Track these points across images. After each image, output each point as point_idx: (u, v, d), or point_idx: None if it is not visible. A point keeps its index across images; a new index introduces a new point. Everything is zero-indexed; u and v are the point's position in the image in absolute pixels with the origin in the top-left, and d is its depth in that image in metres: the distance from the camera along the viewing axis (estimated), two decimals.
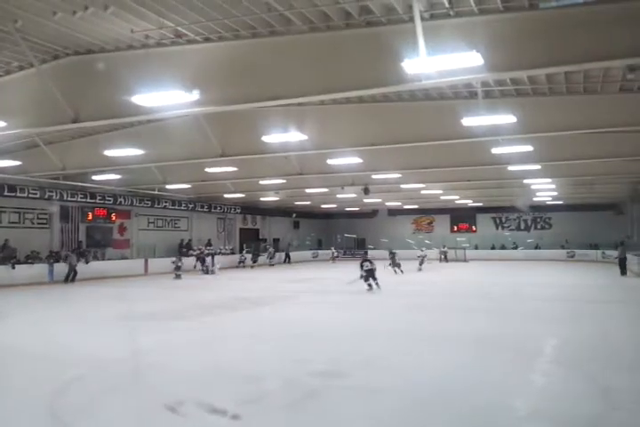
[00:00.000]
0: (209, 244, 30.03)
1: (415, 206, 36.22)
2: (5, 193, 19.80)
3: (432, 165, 16.37)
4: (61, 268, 20.48)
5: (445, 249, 33.64)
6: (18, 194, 20.15)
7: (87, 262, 21.59)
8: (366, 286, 16.29)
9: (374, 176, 19.66)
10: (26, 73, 9.98)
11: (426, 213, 39.57)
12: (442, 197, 29.30)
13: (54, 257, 21.12)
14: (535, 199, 30.18)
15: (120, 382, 6.29)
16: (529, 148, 13.26)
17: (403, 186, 22.89)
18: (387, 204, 33.88)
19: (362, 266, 16.44)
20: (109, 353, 7.70)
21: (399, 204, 34.30)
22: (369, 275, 16.26)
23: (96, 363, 7.13)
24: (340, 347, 8.10)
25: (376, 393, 5.64)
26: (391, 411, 5.15)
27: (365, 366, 6.85)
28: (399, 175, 19.35)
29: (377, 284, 16.32)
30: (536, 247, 35.98)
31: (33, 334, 9.53)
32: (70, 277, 20.41)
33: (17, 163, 16.35)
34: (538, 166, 16.61)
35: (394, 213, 38.92)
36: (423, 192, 26.11)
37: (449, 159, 15.61)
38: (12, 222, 21.24)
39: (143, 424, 4.96)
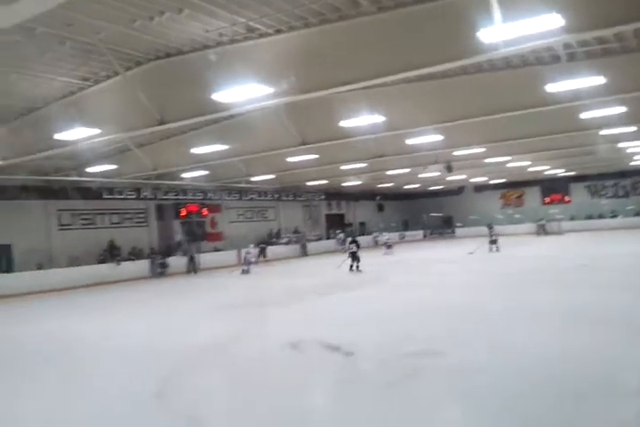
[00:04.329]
0: (296, 231, 30.68)
1: (502, 180, 35.01)
2: (105, 196, 21.45)
3: (517, 136, 15.78)
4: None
5: (544, 222, 32.39)
6: (116, 196, 21.85)
7: (192, 257, 22.68)
8: (349, 268, 16.86)
9: (456, 152, 19.17)
10: (113, 81, 10.53)
11: (514, 187, 38.08)
12: (529, 169, 28.10)
13: (155, 253, 22.42)
14: (632, 163, 28.25)
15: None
16: (622, 109, 12.44)
17: (487, 160, 22.20)
18: (472, 180, 33.01)
19: (349, 247, 17.32)
20: (211, 339, 8.12)
21: (485, 179, 33.30)
22: (353, 257, 16.87)
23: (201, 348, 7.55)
24: (434, 326, 8.05)
25: (477, 372, 5.54)
26: (495, 391, 5.01)
27: (463, 345, 6.77)
28: (483, 149, 18.76)
29: (357, 267, 16.91)
30: (637, 214, 33.62)
31: (141, 325, 10.20)
32: (191, 268, 21.80)
33: (113, 167, 17.46)
34: (633, 128, 15.54)
35: (480, 188, 37.87)
36: (509, 165, 25.16)
37: (535, 129, 14.96)
38: (114, 223, 22.79)
39: None
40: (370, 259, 23.62)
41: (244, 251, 22.00)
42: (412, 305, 10.29)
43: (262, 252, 25.41)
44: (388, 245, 25.51)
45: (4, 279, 17.04)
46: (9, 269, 18.17)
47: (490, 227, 22.98)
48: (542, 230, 32.06)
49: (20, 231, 18.98)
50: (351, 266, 16.94)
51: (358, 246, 17.37)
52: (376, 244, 30.84)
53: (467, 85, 11.57)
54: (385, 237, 27.41)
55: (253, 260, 21.62)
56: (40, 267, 18.93)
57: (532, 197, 38.50)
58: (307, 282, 15.63)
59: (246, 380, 5.94)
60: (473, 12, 6.91)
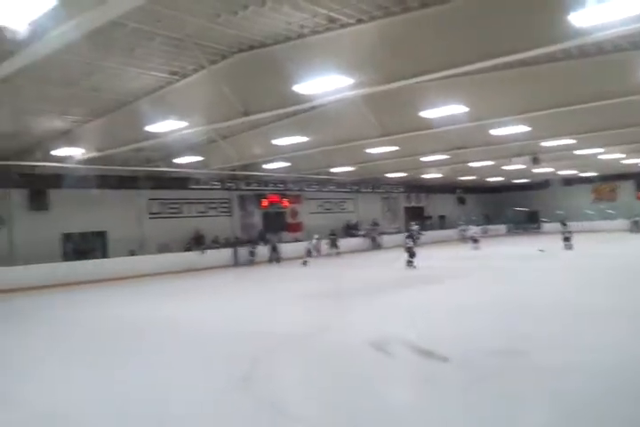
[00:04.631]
0: (375, 223, 30.56)
1: (593, 173, 33.16)
2: (192, 186, 22.43)
3: (610, 127, 14.88)
4: (244, 252, 22.47)
5: (638, 218, 30.47)
6: (202, 186, 22.84)
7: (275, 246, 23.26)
8: (408, 264, 16.43)
9: (544, 144, 18.34)
10: (199, 75, 10.91)
11: (606, 181, 35.94)
12: (623, 162, 26.44)
13: (238, 242, 23.15)
14: None
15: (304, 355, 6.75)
16: None
17: (577, 152, 21.08)
18: (560, 173, 31.48)
19: (405, 242, 16.97)
20: (294, 328, 8.29)
21: (574, 172, 31.67)
22: (409, 252, 16.54)
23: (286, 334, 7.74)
24: (514, 324, 7.80)
25: (562, 374, 5.29)
26: (583, 394, 4.74)
27: (546, 345, 6.50)
28: (573, 141, 17.82)
29: (412, 262, 16.51)
30: None
31: (225, 311, 10.60)
32: (274, 257, 22.46)
33: (199, 158, 18.15)
34: None
35: (569, 182, 36.02)
36: (601, 157, 23.79)
37: (629, 118, 14.05)
38: (200, 212, 23.73)
39: None
40: (454, 252, 23.25)
41: (307, 242, 22.40)
42: (492, 301, 10.01)
43: (333, 243, 25.25)
44: (475, 240, 24.42)
45: (100, 264, 18.22)
46: (104, 254, 19.37)
47: (563, 223, 21.73)
48: (636, 227, 30.14)
49: (114, 219, 20.20)
50: (408, 261, 16.68)
51: (415, 241, 17.07)
52: (463, 237, 29.36)
53: (555, 73, 11.02)
54: (472, 230, 26.00)
55: (315, 250, 21.90)
56: (132, 253, 20.09)
57: (626, 191, 36.16)
58: (380, 274, 15.59)
59: (329, 371, 6.01)
60: None
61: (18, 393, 5.54)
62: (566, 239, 20.94)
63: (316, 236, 23.06)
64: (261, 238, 23.80)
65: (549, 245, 21.04)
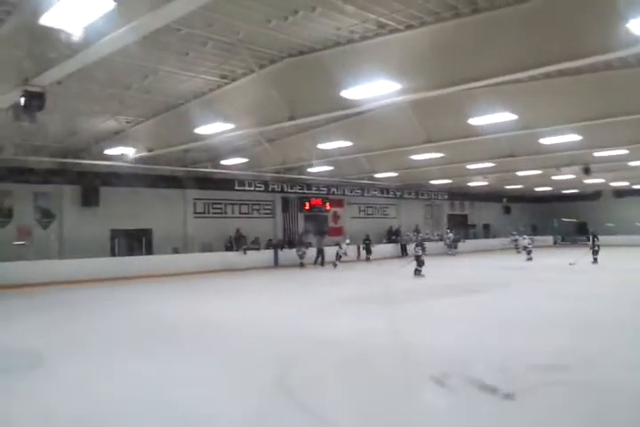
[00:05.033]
0: (417, 230, 30.26)
1: None
2: (236, 187, 22.79)
3: None
4: (283, 253, 22.66)
5: None
6: (246, 188, 23.20)
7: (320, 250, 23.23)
8: (416, 273, 16.34)
9: (596, 154, 17.81)
10: (248, 79, 11.08)
11: None
12: None
13: (280, 244, 23.35)
14: None
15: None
16: None
17: (631, 163, 20.40)
18: (612, 184, 30.49)
19: (415, 250, 16.89)
20: (335, 332, 8.29)
21: (627, 183, 30.60)
22: (417, 261, 16.47)
23: (322, 340, 7.75)
24: (558, 338, 7.59)
25: (604, 391, 5.12)
26: (622, 412, 4.61)
27: (590, 361, 6.29)
28: (626, 151, 17.26)
29: (420, 271, 16.39)
30: None
31: (265, 312, 10.69)
32: (319, 260, 22.56)
33: (245, 160, 18.41)
34: None
35: (621, 194, 34.85)
36: None
37: None
38: (243, 213, 24.04)
39: None
40: (505, 262, 22.75)
41: (337, 247, 22.40)
42: (530, 314, 9.77)
43: (367, 248, 25.15)
44: (529, 251, 23.11)
45: (145, 261, 18.69)
46: (149, 251, 19.85)
47: (594, 235, 20.77)
48: None
49: (160, 217, 20.69)
50: (416, 270, 16.47)
51: (424, 250, 16.84)
52: (516, 248, 27.94)
53: (610, 82, 10.70)
54: (525, 240, 24.34)
55: (344, 255, 21.92)
56: (176, 251, 20.52)
57: None
58: (414, 283, 15.43)
59: (360, 375, 6.00)
60: (622, 0, 6.40)
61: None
62: (595, 252, 20.12)
63: (347, 241, 23.12)
64: (303, 241, 23.84)
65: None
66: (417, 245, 17.12)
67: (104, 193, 19.13)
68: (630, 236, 32.65)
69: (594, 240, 20.43)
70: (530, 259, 22.45)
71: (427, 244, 22.75)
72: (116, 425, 4.54)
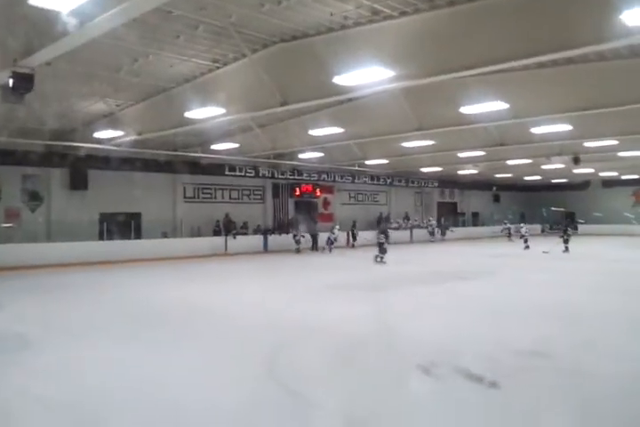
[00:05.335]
0: (406, 217, 30.42)
1: (635, 176, 32.24)
2: (226, 173, 22.71)
3: None
4: (273, 239, 22.73)
5: None
6: (237, 173, 23.13)
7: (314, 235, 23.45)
8: (376, 259, 16.49)
9: (586, 144, 17.93)
10: (239, 63, 10.98)
11: None
12: None
13: (269, 229, 23.37)
14: None
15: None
16: None
17: (620, 154, 20.55)
18: (600, 174, 30.75)
19: (378, 237, 16.97)
20: (324, 320, 8.35)
21: (616, 174, 30.87)
22: (380, 249, 16.59)
23: (309, 328, 7.81)
24: (545, 326, 7.69)
25: (589, 378, 5.19)
26: (609, 400, 4.65)
27: (576, 349, 6.39)
28: (616, 142, 17.39)
29: (382, 258, 16.47)
30: None
31: (250, 298, 10.73)
32: (315, 246, 22.83)
33: (235, 145, 18.32)
34: None
35: (609, 184, 35.14)
36: None
37: None
38: (233, 198, 24.01)
39: None
40: (495, 249, 22.95)
41: (329, 233, 22.57)
42: (518, 303, 9.89)
43: (352, 235, 25.14)
44: (526, 239, 22.83)
45: (134, 245, 18.64)
46: (138, 235, 19.78)
47: (567, 227, 21.43)
48: None
49: (150, 201, 20.59)
50: (377, 256, 16.59)
51: (387, 238, 16.97)
52: (508, 236, 28.35)
53: (602, 72, 10.73)
54: (523, 229, 23.93)
55: (335, 240, 22.27)
56: (165, 235, 20.48)
57: None
58: (400, 270, 15.52)
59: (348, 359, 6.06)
60: None
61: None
62: (565, 241, 20.59)
63: (337, 227, 23.20)
64: (294, 226, 23.80)
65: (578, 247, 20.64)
66: (380, 233, 17.24)
67: (93, 177, 18.99)
68: (617, 225, 33.05)
69: (566, 230, 21.05)
70: (527, 247, 22.55)
71: (416, 231, 22.95)
72: (104, 410, 4.54)
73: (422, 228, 29.90)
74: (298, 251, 21.95)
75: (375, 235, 17.80)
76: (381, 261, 16.49)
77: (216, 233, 21.72)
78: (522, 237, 23.64)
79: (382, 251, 16.70)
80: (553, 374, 5.39)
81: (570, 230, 21.27)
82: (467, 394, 4.83)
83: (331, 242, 21.95)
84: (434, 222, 29.73)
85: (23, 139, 15.57)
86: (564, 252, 20.28)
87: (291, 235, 22.79)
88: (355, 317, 8.33)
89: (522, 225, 25.19)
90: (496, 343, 6.61)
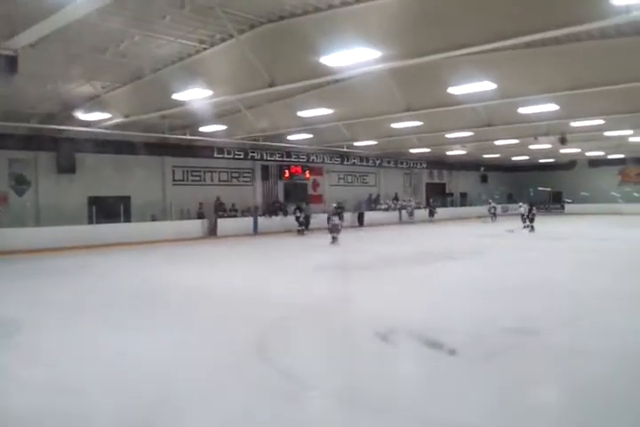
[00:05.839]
0: (396, 198, 30.56)
1: (621, 156, 32.52)
2: (215, 155, 22.60)
3: None
4: (262, 221, 22.86)
5: None
6: (225, 155, 23.03)
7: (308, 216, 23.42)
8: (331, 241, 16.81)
9: (573, 124, 18.04)
10: (227, 44, 10.88)
11: (635, 163, 35.14)
12: None
13: (257, 211, 23.40)
14: None
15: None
16: None
17: (607, 133, 20.70)
18: (587, 154, 30.96)
19: (332, 219, 17.23)
20: (314, 298, 8.47)
21: (602, 153, 31.10)
22: (333, 229, 16.93)
23: (298, 305, 7.92)
24: (534, 304, 7.84)
25: (579, 354, 5.31)
26: (598, 376, 4.74)
27: (565, 326, 6.53)
28: (602, 122, 17.52)
29: (335, 238, 16.84)
30: None
31: (245, 279, 10.82)
32: (307, 227, 22.84)
33: (223, 127, 18.21)
34: None
35: (596, 163, 35.44)
36: (632, 140, 23.30)
37: None
38: (222, 181, 23.98)
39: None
40: (481, 230, 23.20)
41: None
42: (506, 281, 10.06)
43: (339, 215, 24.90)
44: (524, 219, 22.15)
45: (123, 228, 18.61)
46: (127, 218, 19.74)
47: (532, 205, 21.73)
48: None
49: (139, 185, 20.52)
50: (333, 238, 17.01)
51: (341, 219, 17.22)
52: (493, 216, 28.81)
53: (589, 52, 10.78)
54: (522, 208, 23.15)
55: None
56: (154, 218, 20.46)
57: None
58: (393, 250, 15.69)
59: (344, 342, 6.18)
60: None
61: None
62: (531, 220, 20.93)
63: (334, 205, 23.06)
64: (302, 208, 23.46)
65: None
66: (334, 214, 17.37)
67: (80, 160, 18.85)
68: (604, 204, 33.46)
69: (530, 210, 21.33)
70: (526, 226, 21.90)
71: (404, 212, 22.91)
72: (99, 393, 4.59)
73: (403, 208, 29.89)
74: (299, 232, 22.10)
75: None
76: (335, 243, 16.83)
77: (200, 216, 21.71)
78: (522, 216, 22.64)
79: (334, 230, 17.06)
80: (540, 351, 5.53)
81: (534, 209, 21.53)
82: (454, 369, 4.98)
83: (337, 230, 17.85)
84: (412, 204, 29.99)
85: (9, 122, 15.39)
86: (529, 231, 20.57)
87: (280, 217, 22.83)
88: (342, 296, 8.47)
89: (521, 204, 24.12)
90: (485, 321, 6.76)
